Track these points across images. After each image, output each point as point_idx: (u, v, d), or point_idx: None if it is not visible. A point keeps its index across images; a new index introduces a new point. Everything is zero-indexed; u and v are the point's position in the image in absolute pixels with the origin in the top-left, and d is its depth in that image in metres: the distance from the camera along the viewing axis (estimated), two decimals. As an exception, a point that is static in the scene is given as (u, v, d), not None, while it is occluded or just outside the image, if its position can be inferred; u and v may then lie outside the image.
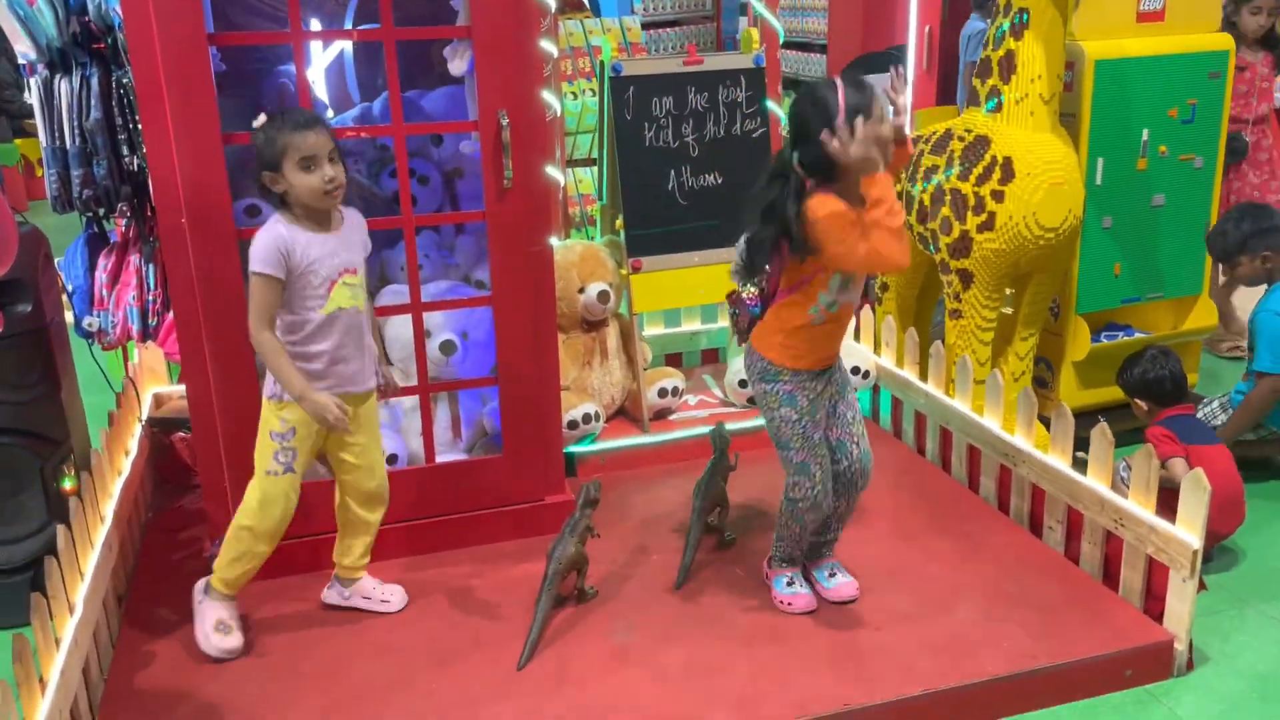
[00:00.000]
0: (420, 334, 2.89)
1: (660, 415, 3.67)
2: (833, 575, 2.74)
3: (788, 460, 2.56)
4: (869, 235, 2.24)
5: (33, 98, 3.21)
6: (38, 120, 3.21)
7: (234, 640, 2.55)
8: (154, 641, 2.63)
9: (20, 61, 3.31)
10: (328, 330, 2.44)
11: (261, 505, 2.51)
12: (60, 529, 2.42)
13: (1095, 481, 2.73)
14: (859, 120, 2.19)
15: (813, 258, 2.34)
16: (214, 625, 2.56)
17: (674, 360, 4.17)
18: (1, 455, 2.83)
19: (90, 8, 2.96)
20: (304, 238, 2.39)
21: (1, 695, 1.91)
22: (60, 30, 3.00)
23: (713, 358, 4.24)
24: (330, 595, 2.75)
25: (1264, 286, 3.51)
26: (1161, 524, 2.52)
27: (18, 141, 8.31)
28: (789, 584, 2.71)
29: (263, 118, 2.40)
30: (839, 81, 2.28)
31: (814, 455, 2.53)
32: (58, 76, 3.09)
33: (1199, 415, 3.41)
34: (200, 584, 2.63)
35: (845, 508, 2.69)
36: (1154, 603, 2.59)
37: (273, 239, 2.37)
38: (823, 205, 2.28)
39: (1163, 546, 2.51)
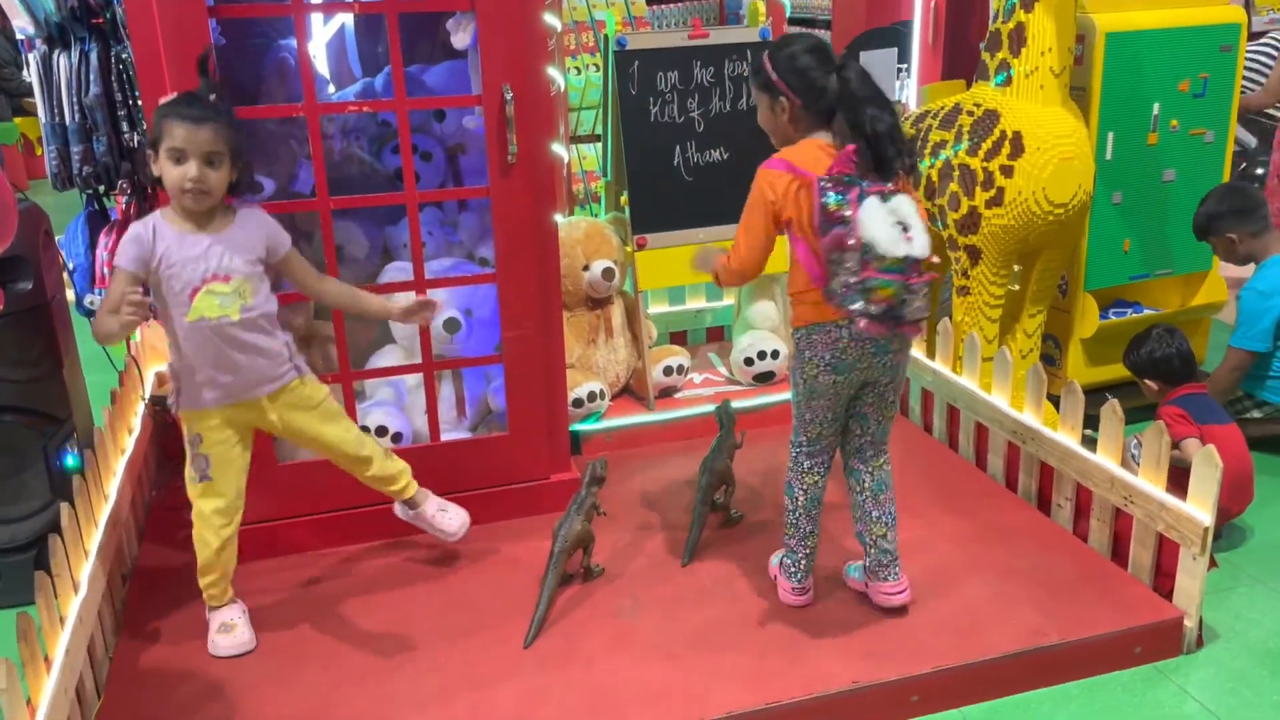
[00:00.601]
0: (424, 311, 2.87)
1: (666, 393, 3.65)
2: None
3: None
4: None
5: (31, 74, 3.18)
6: (37, 96, 3.19)
7: (236, 638, 2.50)
8: (158, 620, 2.62)
9: (19, 37, 3.29)
10: (196, 339, 2.32)
11: (196, 514, 2.46)
12: (64, 507, 2.40)
13: (1105, 458, 2.71)
14: None
15: None
16: (217, 629, 2.52)
17: (679, 338, 4.15)
18: (4, 433, 2.82)
19: (88, -19, 2.93)
20: (171, 236, 2.29)
21: (7, 674, 1.90)
22: (58, 4, 2.97)
23: (718, 335, 4.22)
24: (398, 509, 2.80)
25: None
26: (1172, 501, 2.50)
27: (16, 120, 8.27)
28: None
29: (172, 96, 2.31)
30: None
31: None
32: (56, 52, 3.06)
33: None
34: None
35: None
36: (1164, 580, 2.58)
37: (134, 235, 2.28)
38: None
39: (1173, 524, 2.49)
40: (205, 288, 2.30)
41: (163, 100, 2.31)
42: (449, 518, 2.74)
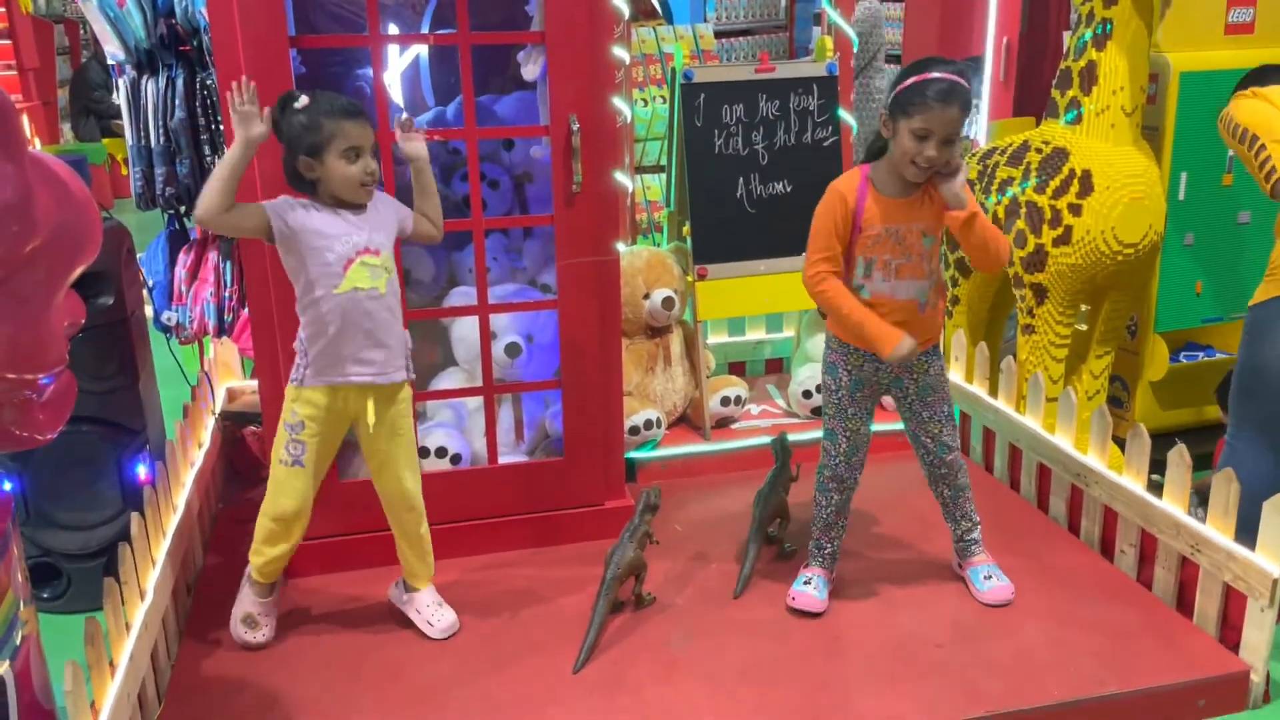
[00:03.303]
0: (486, 335, 2.92)
1: (722, 423, 3.65)
2: (988, 578, 2.73)
3: (824, 426, 2.66)
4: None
5: (120, 97, 3.32)
6: (124, 119, 3.32)
7: (258, 636, 2.56)
8: (221, 630, 2.67)
9: (110, 62, 3.43)
10: (343, 312, 2.36)
11: (272, 494, 2.50)
12: (134, 516, 2.48)
13: (1171, 505, 2.64)
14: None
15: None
16: (241, 618, 2.58)
17: (737, 369, 4.15)
18: (80, 443, 2.91)
19: (177, 11, 3.05)
20: (323, 212, 2.35)
21: (73, 676, 1.96)
22: (148, 32, 3.09)
23: (776, 367, 4.21)
24: (392, 591, 2.75)
25: None
26: (1240, 550, 2.43)
27: (105, 141, 8.59)
28: (805, 582, 2.72)
29: (305, 99, 2.31)
30: (944, 74, 2.34)
31: (843, 426, 2.62)
32: (144, 77, 3.19)
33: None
34: (248, 567, 2.63)
35: (948, 498, 2.73)
36: (1230, 631, 2.50)
37: (283, 200, 2.34)
38: (844, 180, 2.47)
39: (1241, 574, 2.42)
40: (359, 259, 2.36)
41: (304, 107, 2.30)
42: (442, 614, 2.65)
